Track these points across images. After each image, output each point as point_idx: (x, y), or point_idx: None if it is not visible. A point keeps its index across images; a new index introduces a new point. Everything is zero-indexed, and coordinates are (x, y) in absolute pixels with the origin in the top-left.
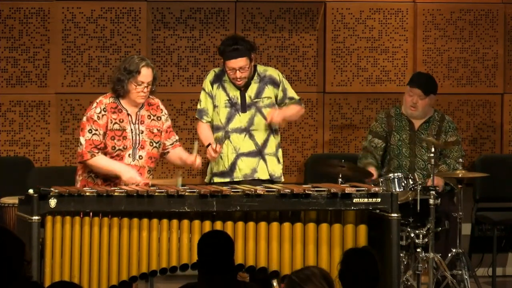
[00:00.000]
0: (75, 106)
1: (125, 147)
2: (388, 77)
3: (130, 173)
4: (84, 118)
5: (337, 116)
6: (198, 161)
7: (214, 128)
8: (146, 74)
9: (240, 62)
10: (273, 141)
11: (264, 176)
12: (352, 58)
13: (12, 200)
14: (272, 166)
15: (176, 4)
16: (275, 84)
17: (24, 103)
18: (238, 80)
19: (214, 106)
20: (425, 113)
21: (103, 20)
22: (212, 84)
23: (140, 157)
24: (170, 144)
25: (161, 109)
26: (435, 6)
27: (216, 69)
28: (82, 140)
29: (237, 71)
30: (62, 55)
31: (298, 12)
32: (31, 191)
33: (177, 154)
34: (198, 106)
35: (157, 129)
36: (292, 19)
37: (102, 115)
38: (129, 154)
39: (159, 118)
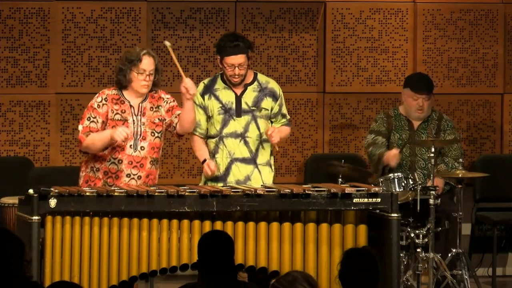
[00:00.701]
0: (75, 106)
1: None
2: (388, 77)
3: (118, 130)
4: (86, 108)
5: (337, 116)
6: (187, 81)
7: (211, 138)
8: (147, 62)
9: (240, 58)
10: (265, 151)
11: (257, 185)
12: (352, 58)
13: (12, 200)
14: (265, 176)
15: (176, 4)
16: (274, 97)
17: (24, 103)
18: (236, 77)
19: (209, 117)
20: (427, 113)
21: (103, 20)
22: (202, 96)
23: (142, 148)
24: (175, 117)
25: (162, 98)
26: (435, 6)
27: (206, 80)
28: (80, 127)
29: (236, 68)
30: (62, 55)
31: (298, 12)
32: (31, 191)
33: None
34: None
35: (158, 119)
36: (292, 19)
37: (103, 104)
38: (131, 145)
39: (159, 107)
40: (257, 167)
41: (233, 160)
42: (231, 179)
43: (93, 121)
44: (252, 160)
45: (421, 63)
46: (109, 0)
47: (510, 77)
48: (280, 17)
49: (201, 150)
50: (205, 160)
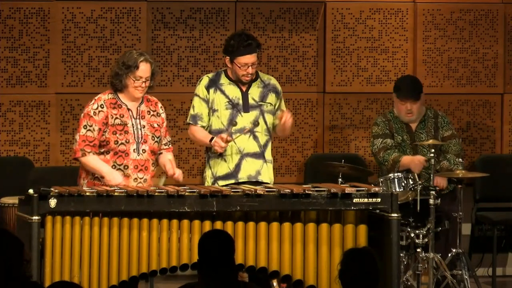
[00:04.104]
0: (75, 106)
1: (127, 141)
2: (388, 77)
3: (113, 175)
4: (81, 115)
5: (337, 116)
6: (177, 172)
7: (216, 132)
8: (144, 69)
9: (253, 57)
10: (270, 148)
11: (267, 180)
12: (352, 58)
13: (12, 200)
14: (270, 173)
15: (176, 4)
16: (277, 93)
17: (24, 103)
18: (248, 76)
19: (214, 111)
20: (420, 114)
21: (103, 20)
22: (207, 89)
23: (144, 151)
24: (165, 144)
25: (160, 107)
26: (435, 6)
27: (210, 75)
28: (76, 136)
29: (249, 67)
30: (62, 55)
31: (298, 12)
32: (31, 191)
33: (166, 160)
34: (191, 112)
35: (157, 124)
36: (292, 19)
37: (99, 111)
38: (134, 149)
39: (158, 114)
40: (265, 162)
41: (244, 156)
42: (243, 175)
43: (89, 130)
44: (261, 155)
45: (421, 63)
46: (109, 0)
47: (510, 77)
48: (280, 17)
49: (203, 134)
50: (212, 138)
